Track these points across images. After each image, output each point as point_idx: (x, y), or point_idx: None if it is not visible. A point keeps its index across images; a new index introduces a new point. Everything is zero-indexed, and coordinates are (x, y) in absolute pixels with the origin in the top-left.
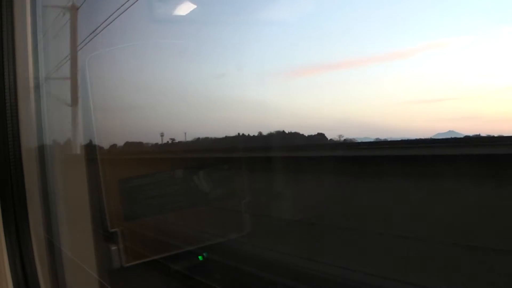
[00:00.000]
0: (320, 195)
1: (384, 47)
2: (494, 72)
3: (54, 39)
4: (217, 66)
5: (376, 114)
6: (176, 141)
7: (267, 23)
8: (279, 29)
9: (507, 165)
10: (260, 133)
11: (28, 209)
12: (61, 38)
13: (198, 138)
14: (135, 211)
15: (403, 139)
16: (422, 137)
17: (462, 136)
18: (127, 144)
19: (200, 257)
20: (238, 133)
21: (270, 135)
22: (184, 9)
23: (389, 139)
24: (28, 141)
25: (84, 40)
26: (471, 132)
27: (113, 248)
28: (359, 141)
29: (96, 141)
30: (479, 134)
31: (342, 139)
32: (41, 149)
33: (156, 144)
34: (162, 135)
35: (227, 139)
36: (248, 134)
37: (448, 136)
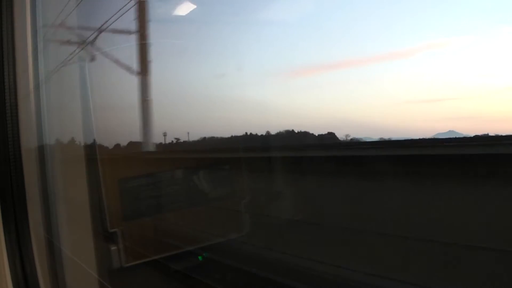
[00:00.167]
0: (320, 195)
1: (384, 47)
2: (494, 72)
3: (54, 39)
4: (217, 66)
5: (376, 114)
6: (176, 141)
7: (267, 23)
8: (279, 29)
9: (508, 165)
10: (258, 133)
11: (28, 209)
12: (61, 38)
13: (199, 138)
14: (135, 211)
15: (403, 139)
16: (422, 137)
17: (462, 136)
18: (127, 144)
19: (200, 257)
20: (246, 133)
21: (270, 135)
22: (184, 9)
23: (389, 139)
24: (28, 141)
25: (84, 40)
26: (471, 132)
27: (113, 248)
28: (358, 141)
29: (96, 141)
30: (480, 134)
31: (349, 138)
32: (41, 149)
33: (156, 144)
34: (165, 134)
35: (227, 139)
36: (249, 134)
37: (448, 136)
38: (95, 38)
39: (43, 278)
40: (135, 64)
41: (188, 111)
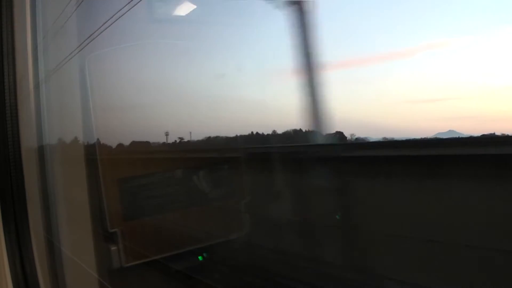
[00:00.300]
0: (320, 194)
1: (384, 47)
2: (494, 71)
3: (54, 39)
4: (216, 66)
5: (376, 113)
6: (175, 141)
7: (267, 23)
8: (279, 29)
9: (508, 165)
10: (257, 133)
11: (28, 209)
12: (61, 38)
13: (200, 138)
14: (135, 211)
15: (403, 139)
16: (422, 136)
17: (462, 136)
18: (127, 144)
19: (200, 257)
20: (252, 132)
21: (270, 134)
22: (184, 9)
23: (388, 139)
24: (28, 141)
25: (84, 40)
26: (471, 132)
27: (113, 248)
28: (359, 141)
29: (96, 141)
30: (479, 134)
31: (354, 138)
32: (41, 149)
33: (155, 144)
34: (167, 134)
35: (226, 139)
36: (248, 134)
37: (449, 136)
38: (95, 38)
39: (43, 278)
40: (135, 64)
41: (187, 110)
